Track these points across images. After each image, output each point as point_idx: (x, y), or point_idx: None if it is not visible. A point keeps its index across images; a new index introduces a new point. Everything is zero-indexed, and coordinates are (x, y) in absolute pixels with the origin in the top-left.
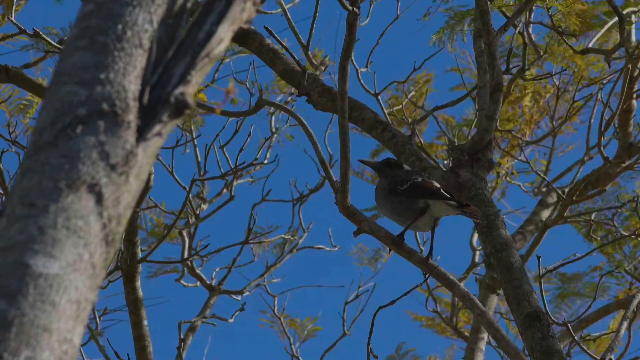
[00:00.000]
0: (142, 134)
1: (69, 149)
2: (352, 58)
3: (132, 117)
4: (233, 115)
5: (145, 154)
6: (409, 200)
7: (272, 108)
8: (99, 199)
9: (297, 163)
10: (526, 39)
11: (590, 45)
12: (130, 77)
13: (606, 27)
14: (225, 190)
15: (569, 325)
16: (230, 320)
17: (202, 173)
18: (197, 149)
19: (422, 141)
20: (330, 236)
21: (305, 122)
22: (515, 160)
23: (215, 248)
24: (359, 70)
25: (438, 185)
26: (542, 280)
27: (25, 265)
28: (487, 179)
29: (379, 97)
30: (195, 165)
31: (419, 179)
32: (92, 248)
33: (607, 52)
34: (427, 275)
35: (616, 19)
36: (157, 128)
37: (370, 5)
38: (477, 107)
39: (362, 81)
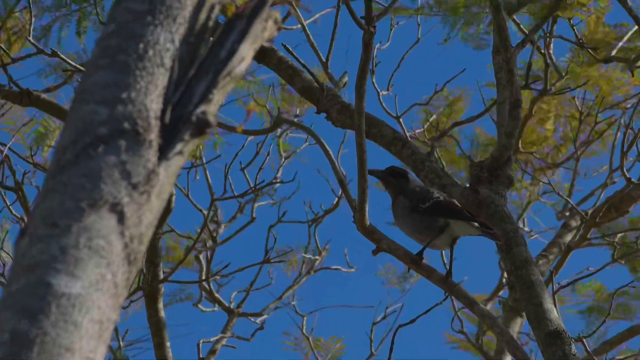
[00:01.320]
0: (163, 153)
1: (90, 169)
2: (374, 80)
3: (153, 136)
4: (253, 134)
5: (167, 173)
6: (430, 218)
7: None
8: (121, 219)
9: (311, 184)
10: (547, 59)
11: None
12: (151, 96)
13: (627, 36)
14: (239, 214)
15: (584, 340)
16: (250, 339)
17: (222, 194)
18: (207, 172)
19: (439, 159)
20: (346, 257)
21: (322, 141)
22: (541, 184)
23: (233, 271)
24: (381, 93)
25: (460, 206)
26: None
27: (48, 284)
28: (506, 195)
29: (401, 119)
30: (206, 188)
31: (441, 198)
32: (114, 267)
33: (630, 60)
34: (446, 294)
35: (636, 27)
36: (178, 147)
37: (391, 30)
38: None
39: (383, 104)
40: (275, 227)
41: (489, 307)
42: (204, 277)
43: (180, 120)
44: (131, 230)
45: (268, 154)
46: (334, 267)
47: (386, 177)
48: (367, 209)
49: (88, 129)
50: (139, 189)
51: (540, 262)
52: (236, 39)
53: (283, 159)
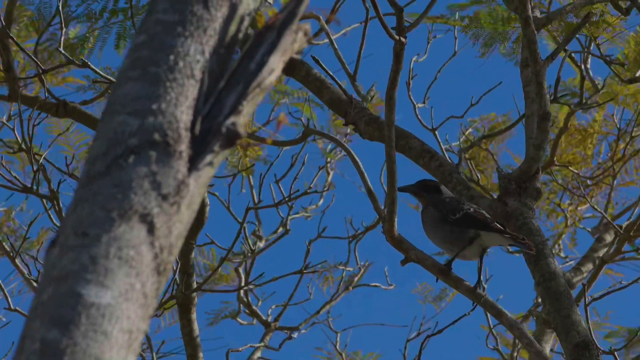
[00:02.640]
0: (193, 164)
1: (121, 179)
2: (410, 93)
3: (183, 147)
4: (282, 145)
5: (197, 183)
6: (460, 229)
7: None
8: (151, 229)
9: (353, 200)
10: (584, 72)
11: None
12: (182, 108)
13: None
14: (281, 229)
15: (615, 353)
16: (278, 349)
17: (256, 203)
18: (252, 181)
19: (471, 169)
20: (386, 275)
21: (351, 151)
22: (585, 205)
23: (271, 286)
24: (417, 106)
25: (489, 217)
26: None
27: (78, 294)
28: (534, 207)
29: (436, 132)
30: (251, 202)
31: (471, 209)
32: (143, 278)
33: None
34: (474, 305)
35: None
36: (208, 158)
37: (428, 43)
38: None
39: (419, 116)
40: (316, 243)
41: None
42: (243, 292)
43: (210, 132)
44: (161, 240)
45: (303, 164)
46: (373, 284)
47: (418, 192)
48: (395, 219)
49: (119, 140)
50: (169, 199)
51: (573, 275)
52: (266, 51)
53: (319, 169)
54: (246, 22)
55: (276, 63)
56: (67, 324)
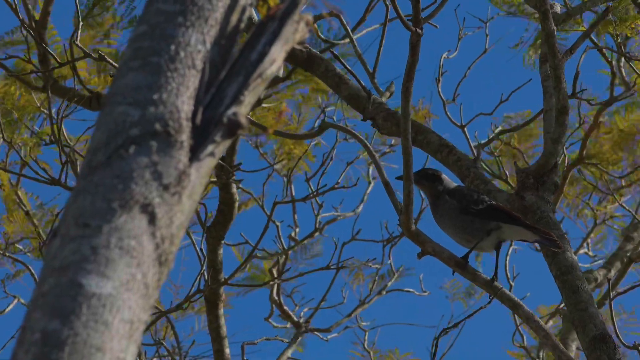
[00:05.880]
0: (195, 154)
1: (122, 169)
2: (439, 89)
3: (184, 137)
4: (295, 138)
5: (198, 174)
6: (481, 221)
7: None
8: (152, 219)
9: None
10: (615, 69)
11: None
12: (183, 98)
13: None
14: (317, 233)
15: (639, 348)
16: (295, 343)
17: (282, 198)
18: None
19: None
20: (420, 281)
21: (368, 144)
22: (615, 204)
23: (304, 288)
24: (446, 102)
25: (515, 211)
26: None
27: (79, 285)
28: (552, 201)
29: (465, 129)
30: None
31: (494, 202)
32: (145, 268)
33: None
34: (491, 297)
35: None
36: (209, 148)
37: (459, 40)
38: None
39: (448, 113)
40: (349, 247)
41: (550, 323)
42: (275, 292)
43: (212, 122)
44: (162, 230)
45: (331, 159)
46: (406, 289)
47: (419, 181)
48: (412, 211)
49: (120, 130)
50: (170, 189)
51: (602, 273)
52: (267, 40)
53: (347, 165)
54: (248, 12)
55: (278, 53)
56: (68, 314)
